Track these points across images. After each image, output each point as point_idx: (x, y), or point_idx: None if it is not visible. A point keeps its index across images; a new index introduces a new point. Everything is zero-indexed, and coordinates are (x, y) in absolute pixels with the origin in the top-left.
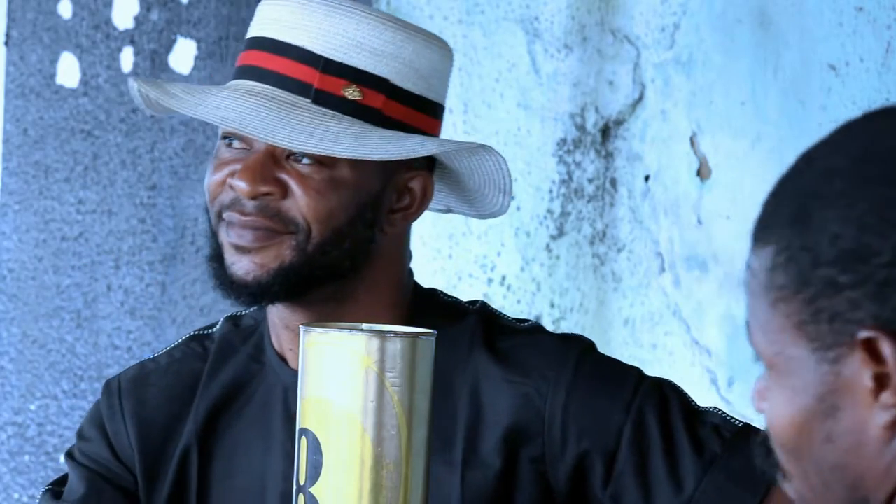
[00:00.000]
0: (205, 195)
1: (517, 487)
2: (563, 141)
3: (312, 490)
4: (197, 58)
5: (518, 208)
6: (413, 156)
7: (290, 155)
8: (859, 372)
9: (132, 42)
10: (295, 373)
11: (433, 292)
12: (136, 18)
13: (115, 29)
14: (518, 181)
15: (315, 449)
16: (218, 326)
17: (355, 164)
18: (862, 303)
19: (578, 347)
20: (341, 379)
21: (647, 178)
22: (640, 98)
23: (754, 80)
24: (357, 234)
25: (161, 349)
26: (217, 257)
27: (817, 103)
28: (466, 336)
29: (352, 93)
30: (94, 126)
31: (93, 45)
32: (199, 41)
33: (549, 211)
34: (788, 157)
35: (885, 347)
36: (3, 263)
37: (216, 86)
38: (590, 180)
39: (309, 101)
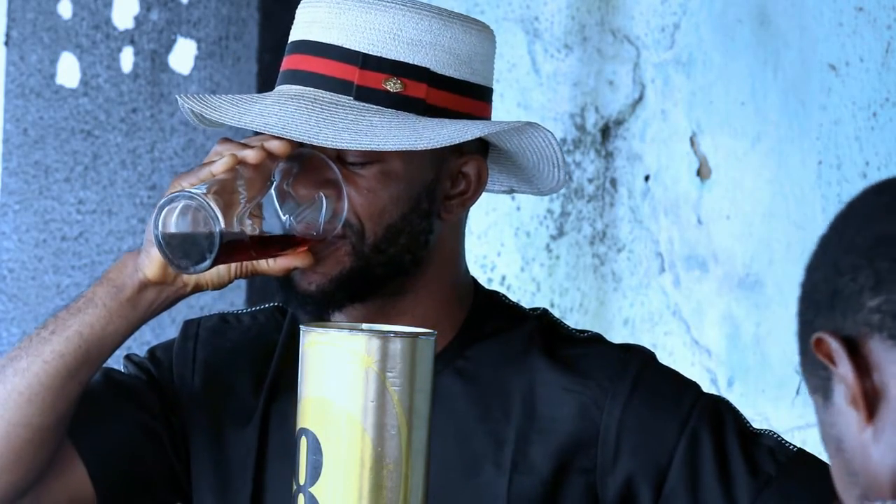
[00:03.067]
0: None
1: (564, 497)
2: (563, 141)
3: (312, 490)
4: (197, 58)
5: (518, 208)
6: (457, 141)
7: (339, 156)
8: (840, 389)
9: (132, 42)
10: None
11: (495, 294)
12: (136, 18)
13: (115, 29)
14: None
15: (315, 449)
16: None
17: (405, 155)
18: (818, 321)
19: (639, 359)
20: (341, 379)
21: (647, 178)
22: (640, 98)
23: (754, 80)
24: (413, 227)
25: (243, 308)
26: (283, 280)
27: (817, 103)
28: (524, 340)
29: (393, 85)
30: (94, 126)
31: (93, 45)
32: (199, 41)
33: (549, 211)
34: (788, 157)
35: (834, 347)
36: (3, 263)
37: (260, 94)
38: (590, 180)
39: (351, 98)
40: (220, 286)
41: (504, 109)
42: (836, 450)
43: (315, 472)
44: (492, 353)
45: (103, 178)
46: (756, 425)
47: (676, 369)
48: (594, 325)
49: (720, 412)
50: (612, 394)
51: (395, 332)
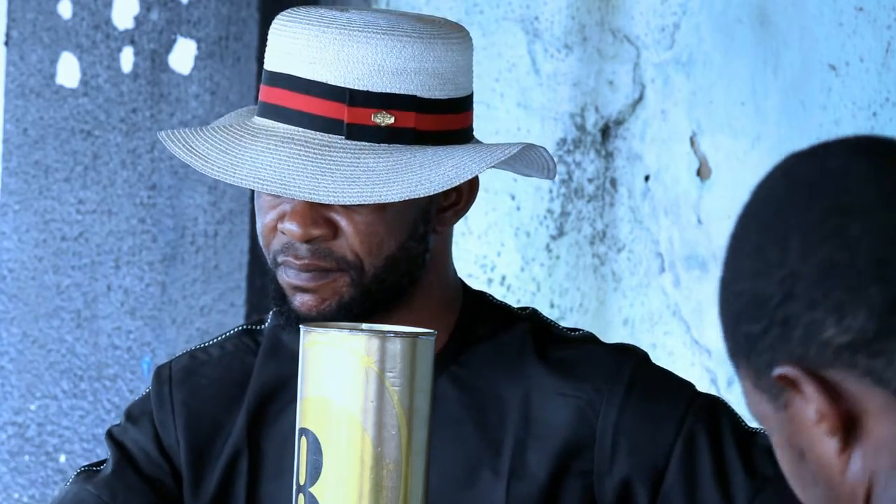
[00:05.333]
0: (259, 240)
1: (563, 501)
2: (563, 141)
3: (312, 490)
4: (197, 58)
5: (518, 208)
6: (457, 183)
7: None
8: (803, 410)
9: (132, 42)
10: None
11: (483, 295)
12: (136, 18)
13: (115, 29)
14: (518, 181)
15: (315, 449)
16: (269, 321)
17: None
18: (776, 346)
19: (633, 360)
20: (341, 379)
21: (647, 178)
22: (640, 98)
23: (754, 80)
24: (410, 252)
25: (209, 340)
26: (281, 297)
27: (817, 103)
28: (517, 344)
29: (383, 118)
30: (94, 126)
31: (93, 45)
32: (199, 41)
33: (549, 211)
34: None
35: (802, 381)
36: (3, 263)
37: (243, 125)
38: (590, 180)
39: (342, 137)
40: None
41: (504, 109)
42: (797, 456)
43: (315, 472)
44: (486, 359)
45: (103, 178)
46: (755, 425)
47: (671, 369)
48: (594, 325)
49: (716, 412)
50: (608, 396)
51: (394, 332)
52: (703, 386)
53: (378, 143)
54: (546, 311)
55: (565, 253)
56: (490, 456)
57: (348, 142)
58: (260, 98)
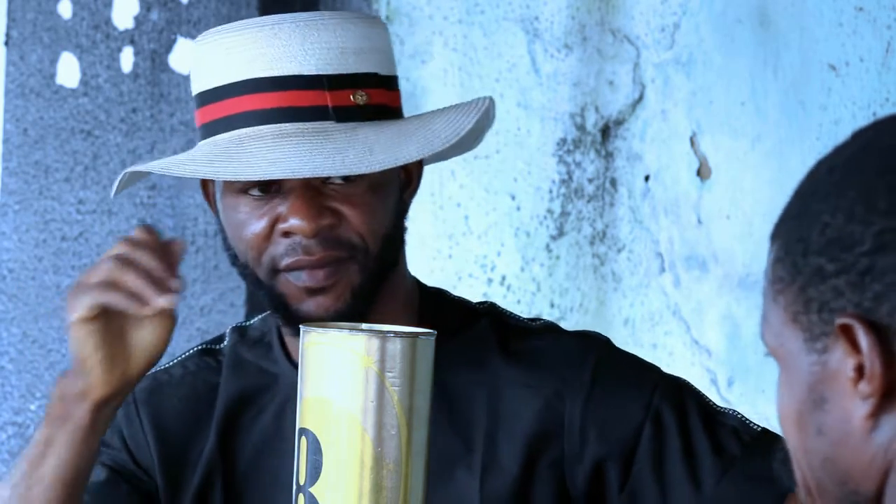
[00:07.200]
0: (244, 255)
1: (536, 491)
2: (563, 141)
3: (312, 490)
4: None
5: (518, 208)
6: (463, 134)
7: (325, 180)
8: (843, 362)
9: (132, 42)
10: None
11: (440, 291)
12: (136, 18)
13: (115, 29)
14: (518, 181)
15: (315, 449)
16: (226, 339)
17: None
18: (844, 291)
19: (597, 346)
20: (341, 379)
21: (647, 178)
22: (640, 98)
23: (754, 80)
24: (399, 231)
25: (167, 362)
26: (281, 306)
27: (817, 103)
28: (480, 340)
29: (360, 98)
30: (94, 126)
31: (93, 45)
32: None
33: (549, 211)
34: (788, 157)
35: (861, 336)
36: (3, 263)
37: (216, 145)
38: (590, 180)
39: (333, 121)
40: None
41: (504, 109)
42: (814, 402)
43: (315, 472)
44: (450, 358)
45: (103, 178)
46: (755, 425)
47: (671, 369)
48: (594, 325)
49: (682, 393)
50: (574, 384)
51: (395, 332)
52: (703, 386)
53: (365, 120)
54: (546, 311)
55: (565, 253)
56: (462, 453)
57: (339, 124)
58: (217, 115)
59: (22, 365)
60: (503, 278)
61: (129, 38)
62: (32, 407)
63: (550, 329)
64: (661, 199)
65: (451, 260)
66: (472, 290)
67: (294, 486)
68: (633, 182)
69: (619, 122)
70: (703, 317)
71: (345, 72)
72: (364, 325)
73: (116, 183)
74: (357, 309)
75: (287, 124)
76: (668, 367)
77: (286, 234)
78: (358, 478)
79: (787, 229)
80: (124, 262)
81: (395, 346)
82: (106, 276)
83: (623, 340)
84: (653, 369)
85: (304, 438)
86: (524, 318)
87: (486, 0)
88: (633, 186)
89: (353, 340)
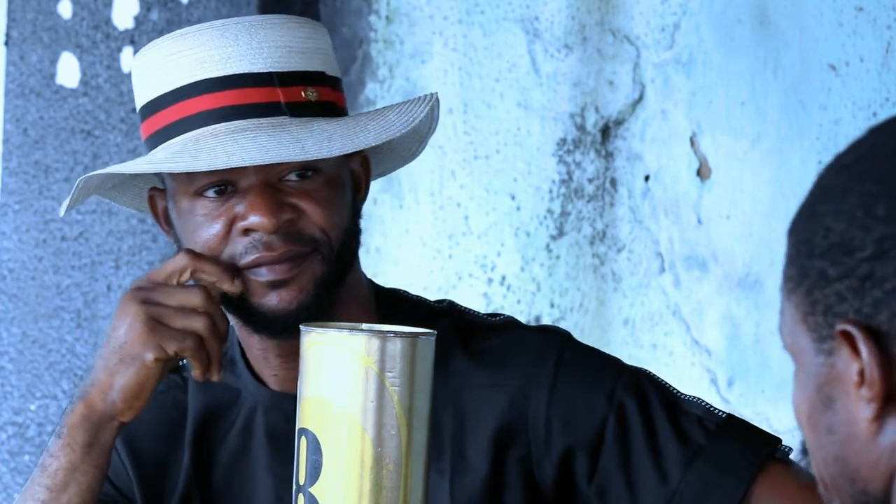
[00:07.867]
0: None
1: (505, 489)
2: (563, 141)
3: (312, 490)
4: None
5: (518, 208)
6: (416, 122)
7: (282, 177)
8: (848, 365)
9: (132, 42)
10: (275, 394)
11: (396, 292)
12: (136, 18)
13: (115, 29)
14: (518, 181)
15: (315, 449)
16: None
17: (337, 160)
18: (846, 296)
19: (558, 341)
20: (341, 379)
21: (647, 178)
22: (640, 98)
23: (754, 80)
24: (356, 227)
25: None
26: (242, 304)
27: (817, 103)
28: (441, 341)
29: (311, 94)
30: (94, 126)
31: (93, 45)
32: None
33: (549, 211)
34: (788, 157)
35: (861, 342)
36: (3, 263)
37: (169, 149)
38: (590, 180)
39: (287, 116)
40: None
41: (504, 109)
42: (823, 402)
43: (315, 472)
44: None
45: None
46: (756, 425)
47: (671, 369)
48: (594, 325)
49: (644, 383)
50: (537, 380)
51: (394, 332)
52: (703, 386)
53: (317, 116)
54: (546, 311)
55: (565, 253)
56: (431, 455)
57: (294, 118)
58: (170, 120)
59: (22, 365)
60: (503, 278)
61: (129, 38)
62: (32, 407)
63: (511, 325)
64: (661, 199)
65: (451, 260)
66: (472, 290)
67: (294, 486)
68: (633, 182)
69: (619, 122)
70: (702, 317)
71: (295, 69)
72: (364, 325)
73: (71, 194)
74: (321, 301)
75: (241, 121)
76: (669, 368)
77: (246, 231)
78: (358, 478)
79: (798, 229)
80: (212, 326)
81: (396, 346)
82: (201, 331)
83: (623, 340)
84: (615, 362)
85: (303, 438)
86: (484, 315)
87: (486, 0)
88: (633, 186)
89: (353, 340)
